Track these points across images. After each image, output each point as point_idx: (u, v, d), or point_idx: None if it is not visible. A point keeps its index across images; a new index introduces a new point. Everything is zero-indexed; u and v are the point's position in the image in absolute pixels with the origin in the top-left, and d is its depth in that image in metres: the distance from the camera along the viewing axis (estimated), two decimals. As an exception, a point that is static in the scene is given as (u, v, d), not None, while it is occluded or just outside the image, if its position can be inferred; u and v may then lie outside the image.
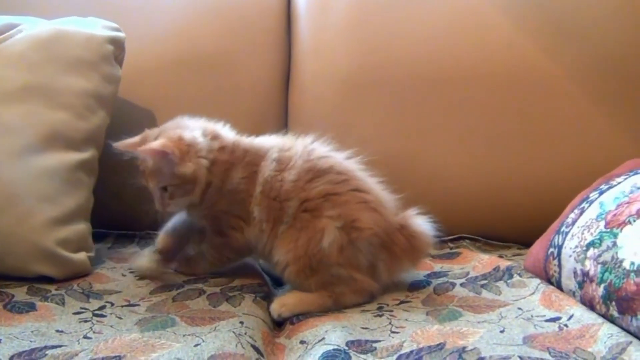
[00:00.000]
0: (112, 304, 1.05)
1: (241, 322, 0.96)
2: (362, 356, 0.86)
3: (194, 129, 1.14)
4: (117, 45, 1.35)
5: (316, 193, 1.08)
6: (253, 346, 0.89)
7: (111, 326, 0.96)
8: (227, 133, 1.18)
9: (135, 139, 1.14)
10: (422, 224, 1.12)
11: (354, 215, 1.07)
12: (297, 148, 1.13)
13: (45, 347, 0.87)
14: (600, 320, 0.92)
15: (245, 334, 0.92)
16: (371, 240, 1.08)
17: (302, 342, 0.93)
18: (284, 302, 1.06)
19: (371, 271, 1.09)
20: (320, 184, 1.09)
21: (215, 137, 1.14)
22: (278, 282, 1.22)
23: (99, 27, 1.34)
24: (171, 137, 1.10)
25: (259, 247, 1.14)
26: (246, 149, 1.15)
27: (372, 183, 1.14)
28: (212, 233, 1.17)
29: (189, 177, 1.09)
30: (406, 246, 1.11)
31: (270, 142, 1.17)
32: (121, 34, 1.36)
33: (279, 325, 1.05)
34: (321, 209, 1.07)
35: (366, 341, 0.91)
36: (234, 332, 0.91)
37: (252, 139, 1.19)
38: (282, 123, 1.53)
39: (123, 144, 1.13)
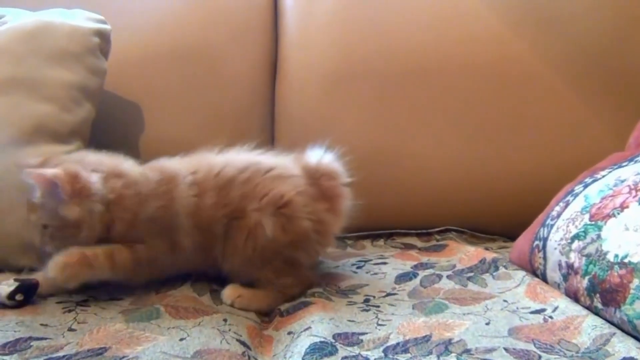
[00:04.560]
0: (95, 298, 1.04)
1: (225, 320, 0.95)
2: (349, 348, 0.86)
3: (95, 168, 1.02)
4: (103, 37, 1.34)
5: (235, 201, 1.07)
6: (239, 340, 0.89)
7: (95, 314, 0.95)
8: (132, 167, 1.08)
9: (37, 160, 1.03)
10: (328, 160, 1.15)
11: (275, 194, 1.07)
12: (202, 167, 1.11)
13: (30, 338, 0.87)
14: (584, 312, 0.93)
15: (230, 330, 0.92)
16: (304, 202, 1.08)
17: (289, 333, 0.94)
18: (240, 293, 1.06)
19: (321, 229, 1.11)
20: (233, 192, 1.07)
21: (118, 174, 1.04)
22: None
23: (84, 19, 1.33)
24: (67, 171, 0.98)
25: (194, 263, 1.11)
26: (156, 178, 1.06)
27: (270, 158, 1.15)
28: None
29: (72, 222, 0.98)
30: (333, 184, 1.13)
31: (176, 165, 1.11)
32: (107, 26, 1.35)
33: (266, 315, 1.06)
34: (244, 210, 1.06)
35: (353, 334, 0.91)
36: (218, 329, 0.91)
37: (156, 165, 1.11)
38: (269, 115, 1.53)
39: (23, 163, 1.02)
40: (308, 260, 1.14)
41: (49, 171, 0.96)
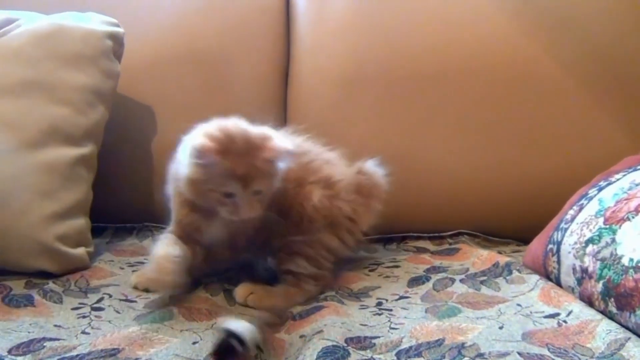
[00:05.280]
0: (110, 296, 1.05)
1: (238, 321, 0.96)
2: (362, 352, 0.86)
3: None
4: (116, 40, 1.35)
5: (299, 171, 1.13)
6: (252, 342, 0.89)
7: (109, 321, 0.96)
8: None
9: (208, 142, 1.01)
10: (373, 166, 1.22)
11: (327, 173, 1.15)
12: None
13: (44, 339, 0.87)
14: (598, 316, 0.92)
15: None
16: (346, 188, 1.16)
17: (301, 336, 0.93)
18: (252, 290, 1.07)
19: (354, 218, 1.17)
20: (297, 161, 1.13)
21: None
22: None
23: (97, 22, 1.34)
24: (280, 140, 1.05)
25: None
26: None
27: (320, 148, 1.21)
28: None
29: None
30: (370, 185, 1.20)
31: None
32: (120, 30, 1.36)
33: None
34: (305, 180, 1.13)
35: (365, 337, 0.91)
36: (230, 330, 0.91)
37: None
38: (281, 120, 1.53)
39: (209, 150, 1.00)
40: (340, 249, 1.17)
41: (288, 144, 1.03)
